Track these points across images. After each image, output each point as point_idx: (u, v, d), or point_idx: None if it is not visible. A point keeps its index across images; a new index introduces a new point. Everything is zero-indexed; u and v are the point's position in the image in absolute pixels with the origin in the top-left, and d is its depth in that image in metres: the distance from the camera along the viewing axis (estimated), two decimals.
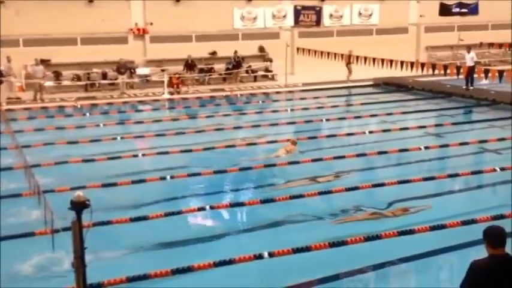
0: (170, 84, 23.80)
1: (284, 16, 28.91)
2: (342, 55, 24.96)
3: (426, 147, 14.13)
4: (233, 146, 14.65)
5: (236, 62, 26.40)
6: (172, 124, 17.71)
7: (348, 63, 25.52)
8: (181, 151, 14.01)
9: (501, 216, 9.09)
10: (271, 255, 7.96)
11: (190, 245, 8.87)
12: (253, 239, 9.20)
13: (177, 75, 24.51)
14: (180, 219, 9.69)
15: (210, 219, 9.99)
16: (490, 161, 13.00)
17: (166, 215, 9.65)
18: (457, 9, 32.04)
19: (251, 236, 9.31)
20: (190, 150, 14.07)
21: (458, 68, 22.64)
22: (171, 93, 23.41)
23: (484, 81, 21.61)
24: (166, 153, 13.96)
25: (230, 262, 7.75)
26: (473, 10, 32.23)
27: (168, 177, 11.81)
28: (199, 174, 12.06)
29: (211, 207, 10.06)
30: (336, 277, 7.54)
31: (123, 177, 11.86)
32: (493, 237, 4.71)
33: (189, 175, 11.96)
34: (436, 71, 22.87)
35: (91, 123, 17.55)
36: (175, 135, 16.04)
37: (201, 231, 9.44)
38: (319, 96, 22.63)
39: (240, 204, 10.31)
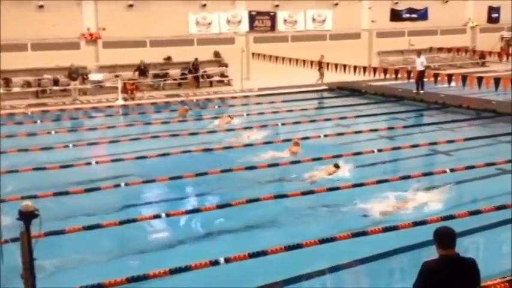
0: (124, 90, 23.49)
1: (239, 21, 29.01)
2: (298, 59, 25.24)
3: (379, 150, 14.39)
4: (188, 151, 14.55)
5: (194, 68, 26.28)
6: (127, 130, 17.47)
7: (320, 68, 25.73)
8: (136, 158, 13.83)
9: (451, 217, 9.33)
10: (227, 260, 7.93)
11: (145, 253, 8.76)
12: (209, 245, 9.17)
13: (131, 81, 24.21)
14: (135, 227, 9.54)
15: (166, 226, 9.89)
16: (441, 163, 13.33)
17: (121, 223, 9.48)
18: (407, 15, 32.86)
19: (207, 242, 9.27)
20: (145, 157, 13.91)
21: (409, 72, 23.27)
22: (125, 99, 23.12)
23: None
24: (121, 160, 13.76)
25: (186, 269, 7.68)
26: (423, 16, 33.12)
27: (123, 184, 11.63)
28: (154, 181, 11.92)
29: (167, 215, 9.95)
30: (294, 280, 7.60)
31: (76, 185, 11.61)
32: (443, 238, 4.83)
33: (144, 182, 11.82)
34: (388, 75, 23.46)
35: (42, 131, 17.13)
36: (130, 141, 15.83)
37: (157, 239, 9.34)
38: (274, 101, 22.76)
39: (196, 211, 10.23)
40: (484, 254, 8.47)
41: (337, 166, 12.49)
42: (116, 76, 24.69)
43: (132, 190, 11.52)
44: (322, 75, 26.03)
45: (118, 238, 9.21)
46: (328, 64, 25.10)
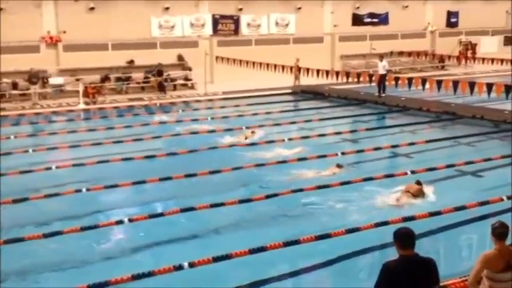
0: (86, 94, 23.13)
1: (202, 25, 28.93)
2: (262, 63, 25.34)
3: (343, 153, 14.55)
4: (153, 156, 14.42)
5: (158, 73, 26.06)
6: (89, 135, 17.21)
7: (297, 71, 25.78)
8: (98, 162, 13.64)
9: (412, 218, 9.50)
10: (191, 265, 7.89)
11: (107, 259, 8.64)
12: (173, 249, 9.10)
13: (92, 85, 23.87)
14: (97, 233, 9.40)
15: (129, 231, 9.76)
16: (402, 165, 13.55)
17: (83, 229, 9.34)
18: (369, 20, 33.33)
19: (171, 247, 9.20)
20: (107, 161, 13.73)
21: (370, 76, 23.62)
22: (87, 103, 22.76)
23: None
24: (82, 165, 13.53)
25: (149, 275, 7.60)
26: (384, 20, 33.66)
27: (84, 189, 11.45)
28: (116, 186, 11.77)
29: (130, 220, 9.84)
30: (258, 283, 7.61)
31: (36, 191, 11.36)
32: (402, 238, 4.92)
33: (106, 187, 11.65)
34: (350, 79, 23.77)
35: (1, 136, 16.68)
36: (92, 146, 15.59)
37: (119, 245, 9.21)
38: (239, 104, 22.77)
39: (160, 215, 10.13)
40: (444, 254, 8.63)
41: (340, 166, 12.57)
42: (77, 80, 24.29)
43: (94, 195, 11.34)
44: (297, 78, 26.12)
45: (80, 244, 9.04)
46: (291, 68, 25.26)
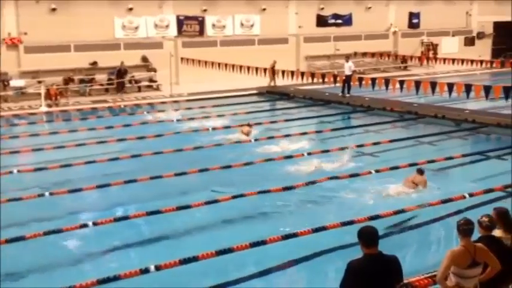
0: (48, 96, 22.70)
1: (167, 26, 28.73)
2: (227, 64, 25.32)
3: (309, 153, 14.64)
4: (117, 159, 14.24)
5: (120, 73, 25.76)
6: (51, 138, 16.89)
7: (272, 73, 25.73)
8: (61, 166, 13.41)
9: (377, 216, 9.63)
10: (158, 268, 7.82)
11: (71, 264, 8.50)
12: (139, 253, 9.01)
13: (55, 87, 23.44)
14: (61, 238, 9.24)
15: (94, 235, 9.61)
16: (367, 164, 13.70)
17: (46, 234, 9.16)
18: (333, 21, 33.66)
19: (137, 250, 9.11)
20: (70, 165, 13.50)
21: (335, 77, 23.86)
22: (49, 106, 22.35)
23: None
24: (45, 168, 13.27)
25: (115, 278, 7.50)
26: (347, 21, 34.04)
27: (47, 193, 11.24)
28: (80, 189, 11.59)
29: (95, 224, 9.70)
30: (225, 285, 7.60)
31: None
32: (366, 237, 4.98)
33: (70, 191, 11.46)
34: (315, 80, 23.97)
35: None
36: (55, 149, 15.31)
37: (83, 249, 9.07)
38: (205, 105, 22.70)
39: (125, 218, 10.02)
40: (408, 251, 8.77)
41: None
42: (39, 82, 23.82)
43: (57, 199, 11.14)
44: (272, 79, 26.13)
45: (43, 250, 8.86)
46: (257, 69, 25.30)
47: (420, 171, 11.75)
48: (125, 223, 9.88)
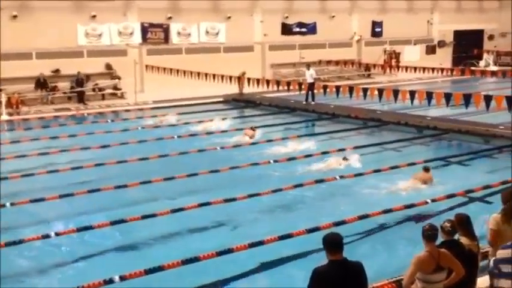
0: (9, 104, 22.22)
1: (131, 33, 28.50)
2: (192, 72, 25.26)
3: (275, 161, 14.69)
4: (80, 167, 14.02)
5: (78, 82, 25.35)
6: (12, 147, 16.49)
7: (242, 82, 25.71)
8: (22, 176, 13.11)
9: (343, 222, 9.72)
10: (122, 278, 7.71)
11: (33, 275, 8.32)
12: (104, 263, 8.88)
13: (16, 95, 22.97)
14: (22, 249, 9.03)
15: (56, 246, 9.42)
16: (332, 171, 13.81)
17: (7, 245, 8.95)
18: (297, 29, 33.97)
19: (102, 261, 8.98)
20: (32, 174, 13.22)
21: (300, 84, 24.07)
22: (10, 114, 21.86)
23: None
24: (5, 179, 12.94)
25: None
26: (312, 30, 34.40)
27: (8, 204, 10.97)
28: (43, 199, 11.35)
29: (57, 234, 9.51)
30: None
31: None
32: (331, 243, 5.03)
33: (32, 201, 11.21)
34: (281, 87, 24.12)
35: None
36: (16, 158, 14.96)
37: (46, 260, 8.88)
38: (170, 113, 22.53)
39: (89, 228, 9.85)
40: (373, 257, 8.85)
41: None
42: (0, 90, 23.27)
43: (19, 210, 10.88)
44: (243, 87, 26.14)
45: (4, 261, 8.62)
46: (222, 76, 25.30)
47: (426, 169, 12.62)
48: (88, 233, 9.72)
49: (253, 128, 18.27)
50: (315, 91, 23.55)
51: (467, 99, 18.17)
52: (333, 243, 5.01)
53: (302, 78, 27.74)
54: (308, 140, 17.63)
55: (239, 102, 25.93)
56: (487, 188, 11.92)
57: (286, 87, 24.05)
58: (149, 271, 7.89)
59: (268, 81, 24.76)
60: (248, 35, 32.10)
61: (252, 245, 8.83)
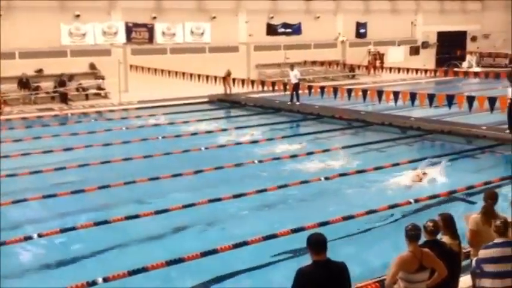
0: None
1: (115, 33, 28.35)
2: (177, 72, 25.19)
3: (260, 161, 14.68)
4: (63, 168, 13.90)
5: (59, 82, 25.12)
6: None
7: (228, 81, 25.67)
8: (6, 175, 12.95)
9: (327, 223, 9.75)
10: (105, 280, 7.66)
11: (16, 277, 8.22)
12: (87, 264, 8.81)
13: None
14: (4, 251, 8.92)
15: (40, 248, 9.34)
16: (317, 171, 13.84)
17: None
18: (282, 30, 34.06)
19: (85, 262, 8.91)
20: (15, 175, 13.08)
21: (285, 85, 24.13)
22: None
23: None
24: None
25: None
26: (297, 30, 34.51)
27: None
28: (25, 200, 11.24)
29: (40, 235, 9.42)
30: None
31: None
32: (315, 244, 5.04)
33: (14, 202, 11.09)
34: (266, 88, 24.15)
35: None
36: None
37: (29, 262, 8.80)
38: (155, 114, 22.46)
39: (72, 229, 9.77)
40: (357, 257, 8.89)
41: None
42: None
43: (1, 211, 10.74)
44: (229, 87, 26.12)
45: None
46: (207, 76, 25.28)
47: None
48: (71, 234, 9.64)
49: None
50: (300, 91, 23.60)
51: (450, 100, 18.34)
52: (317, 244, 5.02)
53: (287, 78, 27.78)
54: (293, 140, 17.68)
55: (224, 103, 25.90)
56: (471, 188, 12.02)
57: (271, 88, 24.10)
58: (133, 272, 7.85)
59: (253, 82, 24.78)
60: (233, 35, 32.10)
61: (237, 246, 8.82)
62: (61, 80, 25.13)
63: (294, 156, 15.34)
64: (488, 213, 6.65)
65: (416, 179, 13.02)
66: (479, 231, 6.58)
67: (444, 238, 6.15)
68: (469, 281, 6.33)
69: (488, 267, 5.81)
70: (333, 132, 19.36)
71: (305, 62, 33.40)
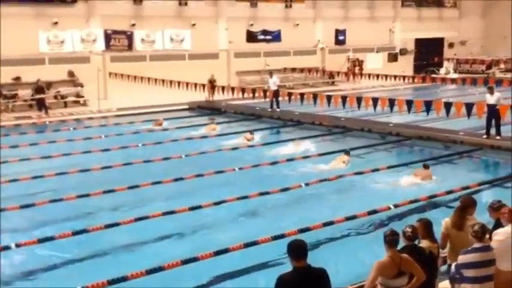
0: None
1: (94, 40, 28.17)
2: (157, 79, 25.10)
3: (240, 168, 14.66)
4: (41, 176, 13.72)
5: (36, 89, 24.80)
6: None
7: (212, 87, 25.61)
8: None
9: (307, 229, 9.76)
10: None
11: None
12: (65, 274, 8.71)
13: None
14: None
15: (16, 258, 9.20)
16: (297, 178, 13.86)
17: None
18: (262, 37, 34.18)
19: (63, 272, 8.80)
20: None
21: (265, 92, 24.19)
22: None
23: None
24: None
25: None
26: (276, 37, 34.66)
27: None
28: (3, 210, 11.05)
29: (17, 245, 9.28)
30: None
31: None
32: (295, 250, 5.04)
33: None
34: (246, 95, 24.18)
35: None
36: None
37: (7, 273, 8.66)
38: (134, 121, 22.33)
39: (50, 239, 9.64)
40: (338, 262, 8.91)
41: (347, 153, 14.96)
42: None
43: None
44: (212, 94, 26.10)
45: None
46: (187, 83, 25.23)
47: (425, 166, 13.72)
48: (50, 244, 9.52)
49: (251, 132, 19.04)
50: (280, 98, 23.67)
51: (428, 106, 18.56)
52: (297, 250, 5.02)
53: (267, 85, 27.86)
54: (273, 147, 17.71)
55: (205, 110, 25.87)
56: (450, 193, 12.14)
57: (251, 95, 24.14)
58: (112, 282, 7.76)
59: (233, 89, 24.80)
60: (213, 42, 32.12)
61: (218, 253, 8.79)
62: (38, 86, 24.76)
63: (274, 163, 15.35)
64: (459, 216, 6.73)
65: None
66: (448, 235, 6.70)
67: (423, 242, 6.21)
68: (448, 285, 6.39)
69: (468, 272, 5.86)
70: (313, 138, 19.39)
71: (285, 69, 33.54)
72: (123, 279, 7.86)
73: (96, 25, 28.33)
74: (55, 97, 25.82)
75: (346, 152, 15.66)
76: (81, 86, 26.72)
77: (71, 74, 26.94)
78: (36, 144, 17.70)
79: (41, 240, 9.56)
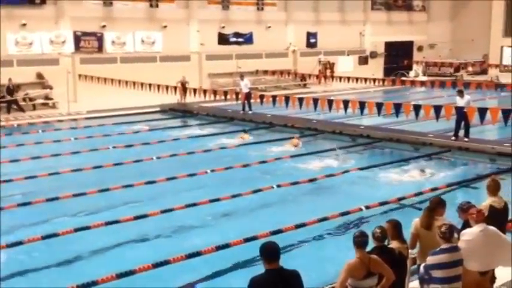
0: None
1: (63, 42, 27.80)
2: (128, 81, 24.88)
3: (212, 170, 14.63)
4: (10, 181, 13.47)
5: (8, 90, 24.38)
6: None
7: (184, 89, 25.44)
8: None
9: (279, 231, 9.80)
10: None
11: None
12: (34, 279, 8.57)
13: None
14: None
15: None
16: (270, 180, 13.90)
17: None
18: (234, 39, 34.18)
19: (33, 277, 8.66)
20: None
21: (237, 94, 24.21)
22: None
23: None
24: None
25: None
26: (248, 40, 34.70)
27: None
28: None
29: None
30: None
31: None
32: (267, 252, 5.06)
33: None
34: (218, 97, 24.16)
35: None
36: None
37: None
38: (105, 123, 22.09)
39: (19, 243, 9.46)
40: (310, 264, 8.97)
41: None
42: None
43: None
44: (183, 96, 25.95)
45: None
46: (159, 86, 25.08)
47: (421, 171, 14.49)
48: (18, 248, 9.36)
49: (245, 131, 19.88)
50: (252, 100, 23.71)
51: (397, 108, 18.82)
52: (270, 252, 5.04)
53: (239, 88, 27.89)
54: (246, 149, 17.72)
55: (176, 112, 25.75)
56: (419, 194, 12.32)
57: (223, 97, 24.12)
58: (82, 286, 7.68)
59: (205, 91, 24.75)
60: (185, 44, 32.01)
61: (190, 256, 8.76)
62: (8, 88, 24.30)
63: (246, 165, 15.36)
64: (428, 217, 6.84)
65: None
66: (417, 235, 6.81)
67: (393, 243, 6.30)
68: (418, 286, 6.48)
69: (436, 273, 5.95)
70: (285, 140, 19.46)
71: (257, 71, 33.60)
72: (94, 283, 7.79)
73: (65, 27, 27.96)
74: (23, 99, 25.38)
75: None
76: (51, 88, 26.32)
77: (39, 76, 26.52)
78: (5, 147, 17.36)
79: (9, 245, 9.40)
